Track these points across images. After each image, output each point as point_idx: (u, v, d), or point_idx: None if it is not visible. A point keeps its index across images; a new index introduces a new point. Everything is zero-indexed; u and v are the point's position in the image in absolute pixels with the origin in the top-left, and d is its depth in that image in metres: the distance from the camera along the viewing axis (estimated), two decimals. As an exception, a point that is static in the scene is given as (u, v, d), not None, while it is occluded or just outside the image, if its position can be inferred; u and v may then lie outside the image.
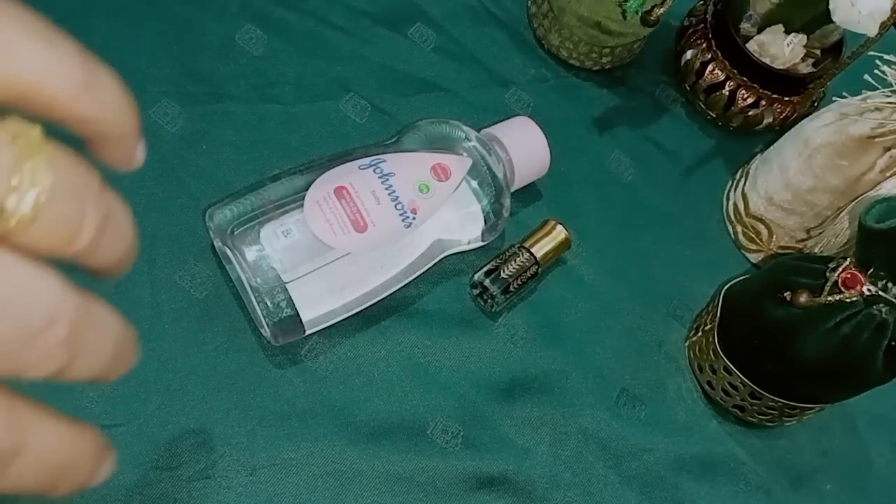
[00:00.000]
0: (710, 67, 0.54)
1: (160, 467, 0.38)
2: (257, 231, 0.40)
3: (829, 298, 0.39)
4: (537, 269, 0.46)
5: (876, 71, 0.44)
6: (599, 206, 0.52)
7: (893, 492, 0.49)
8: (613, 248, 0.51)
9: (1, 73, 0.19)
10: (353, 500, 0.40)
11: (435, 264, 0.45)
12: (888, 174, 0.45)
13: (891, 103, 0.44)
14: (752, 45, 0.53)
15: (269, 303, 0.39)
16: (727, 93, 0.54)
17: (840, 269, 0.40)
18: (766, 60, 0.52)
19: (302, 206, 0.40)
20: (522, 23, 0.57)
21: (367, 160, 0.43)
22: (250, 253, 0.40)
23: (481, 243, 0.46)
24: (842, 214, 0.47)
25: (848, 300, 0.39)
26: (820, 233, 0.49)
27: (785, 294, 0.41)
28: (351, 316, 0.43)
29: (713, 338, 0.46)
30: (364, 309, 0.43)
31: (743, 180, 0.53)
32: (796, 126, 0.50)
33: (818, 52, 0.55)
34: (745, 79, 0.53)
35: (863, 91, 0.46)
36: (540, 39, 0.56)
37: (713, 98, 0.55)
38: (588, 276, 0.49)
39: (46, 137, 0.18)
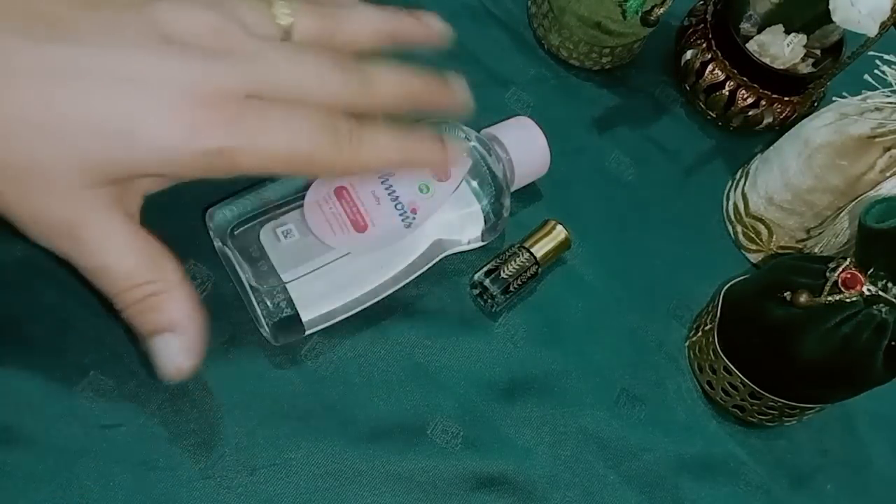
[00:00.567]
0: (710, 67, 0.54)
1: (160, 467, 0.38)
2: (257, 231, 0.40)
3: (829, 298, 0.39)
4: (537, 269, 0.46)
5: (876, 71, 0.44)
6: (599, 206, 0.52)
7: (893, 492, 0.49)
8: (613, 248, 0.51)
9: None
10: (353, 499, 0.40)
11: (435, 264, 0.45)
12: (888, 174, 0.45)
13: (891, 103, 0.45)
14: (752, 45, 0.53)
15: (268, 303, 0.39)
16: (727, 93, 0.54)
17: (840, 269, 0.40)
18: (766, 60, 0.52)
19: (302, 205, 0.41)
20: (522, 23, 0.57)
21: None
22: (250, 253, 0.40)
23: (481, 243, 0.46)
24: (842, 214, 0.47)
25: (848, 300, 0.39)
26: (820, 233, 0.49)
27: (785, 294, 0.41)
28: (351, 316, 0.43)
29: (713, 338, 0.46)
30: (364, 309, 0.43)
31: (743, 180, 0.53)
32: (796, 126, 0.50)
33: (818, 52, 0.55)
34: (745, 79, 0.53)
35: (863, 91, 0.46)
36: (540, 39, 0.56)
37: (713, 98, 0.55)
38: (588, 276, 0.49)
39: None
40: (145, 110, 0.28)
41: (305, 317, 0.40)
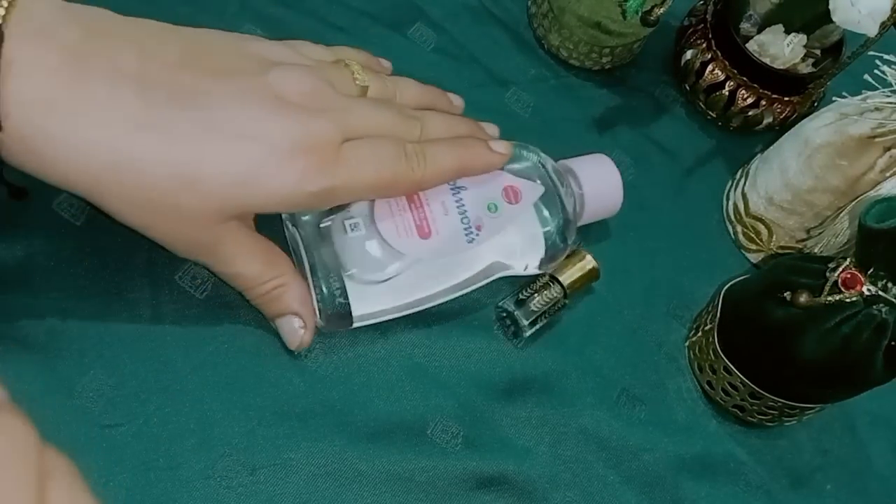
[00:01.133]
0: (710, 67, 0.54)
1: (160, 467, 0.38)
2: (325, 221, 0.41)
3: (829, 298, 0.39)
4: (565, 302, 0.46)
5: (876, 71, 0.44)
6: (599, 206, 0.51)
7: (893, 492, 0.49)
8: (613, 248, 0.50)
9: None
10: (353, 499, 0.40)
11: (486, 284, 0.45)
12: (888, 174, 0.45)
13: (891, 103, 0.45)
14: (752, 45, 0.53)
15: (324, 289, 0.41)
16: (727, 93, 0.54)
17: (840, 269, 0.40)
18: (766, 60, 0.52)
19: (373, 202, 0.41)
20: (522, 23, 0.57)
21: None
22: (316, 239, 0.41)
23: (538, 272, 0.46)
24: (842, 214, 0.47)
25: (848, 300, 0.39)
26: (820, 233, 0.49)
27: (785, 294, 0.41)
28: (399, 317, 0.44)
29: (713, 338, 0.46)
30: (412, 313, 0.44)
31: (743, 180, 0.53)
32: (796, 126, 0.50)
33: (818, 52, 0.55)
34: (745, 79, 0.53)
35: (863, 91, 0.46)
36: (540, 39, 0.56)
37: (713, 98, 0.55)
38: (588, 276, 0.49)
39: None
40: (265, 162, 0.35)
41: (356, 311, 0.41)
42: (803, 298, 0.40)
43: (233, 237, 0.37)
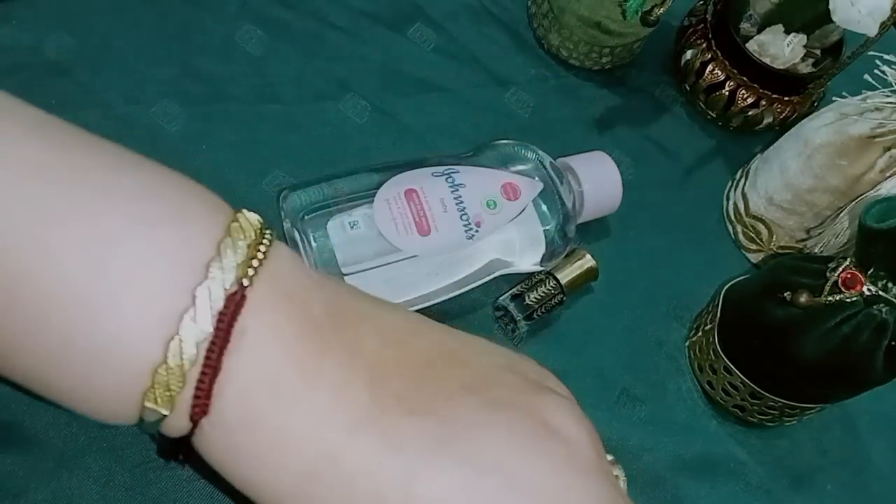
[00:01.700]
0: (710, 67, 0.54)
1: (159, 467, 0.38)
2: (326, 219, 0.41)
3: (830, 298, 0.39)
4: (562, 298, 0.46)
5: (876, 71, 0.44)
6: (599, 206, 0.51)
7: (893, 492, 0.49)
8: (613, 248, 0.50)
9: None
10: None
11: (487, 282, 0.45)
12: (888, 174, 0.45)
13: (891, 103, 0.45)
14: (752, 45, 0.53)
15: None
16: (727, 93, 0.54)
17: (840, 269, 0.40)
18: (766, 60, 0.52)
19: (372, 202, 0.42)
20: (522, 23, 0.57)
21: (441, 168, 0.44)
22: (316, 239, 0.41)
23: (538, 268, 0.46)
24: (842, 214, 0.47)
25: (848, 300, 0.39)
26: (820, 233, 0.49)
27: (785, 294, 0.41)
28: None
29: (713, 338, 0.46)
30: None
31: (743, 180, 0.53)
32: (796, 126, 0.50)
33: (818, 52, 0.55)
34: (745, 79, 0.53)
35: (863, 91, 0.46)
36: (540, 39, 0.56)
37: (713, 98, 0.55)
38: (588, 276, 0.49)
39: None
40: (497, 501, 0.27)
41: None
42: (803, 298, 0.40)
43: None
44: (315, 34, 0.51)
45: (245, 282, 0.26)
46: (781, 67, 0.53)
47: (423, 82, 0.52)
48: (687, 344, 0.49)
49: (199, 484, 0.38)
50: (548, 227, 0.45)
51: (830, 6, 0.45)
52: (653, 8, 0.48)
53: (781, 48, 0.53)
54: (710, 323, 0.46)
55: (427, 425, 0.27)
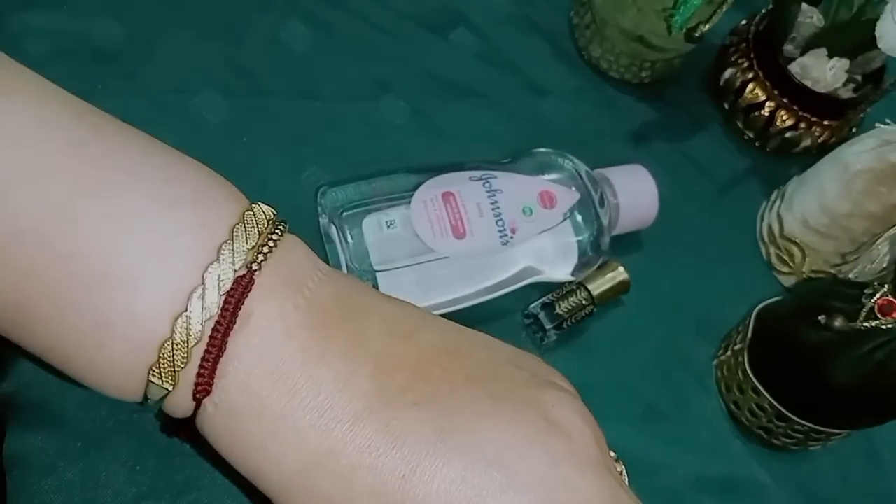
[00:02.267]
0: (750, 87, 0.54)
1: (185, 453, 0.38)
2: (362, 217, 0.42)
3: (865, 324, 0.39)
4: (593, 309, 0.46)
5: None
6: (632, 220, 0.51)
7: (915, 524, 0.49)
8: (643, 263, 0.50)
9: None
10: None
11: (517, 289, 0.45)
12: (928, 203, 0.45)
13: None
14: (794, 67, 0.53)
15: None
16: (766, 113, 0.54)
17: (877, 296, 0.39)
18: (808, 83, 0.52)
19: (409, 202, 0.42)
20: (564, 33, 0.57)
21: (478, 173, 0.44)
22: (352, 236, 0.41)
23: (570, 278, 0.46)
24: (878, 241, 0.46)
25: (883, 327, 0.39)
26: (855, 258, 0.49)
27: (819, 317, 0.41)
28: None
29: (743, 357, 0.45)
30: (442, 314, 0.44)
31: (778, 201, 0.53)
32: (836, 150, 0.50)
33: (859, 77, 0.54)
34: (785, 100, 0.53)
35: (903, 118, 0.46)
36: (581, 50, 0.56)
37: (752, 118, 0.55)
38: (618, 289, 0.49)
39: None
40: (499, 494, 0.27)
41: None
42: (838, 322, 0.40)
43: None
44: (358, 34, 0.52)
45: (254, 266, 0.27)
46: (823, 91, 0.53)
47: (462, 87, 0.52)
48: (714, 363, 0.49)
49: (224, 471, 0.39)
50: (581, 238, 0.45)
51: (877, 32, 0.45)
52: (698, 24, 0.48)
53: (824, 72, 0.53)
54: (741, 342, 0.46)
55: (429, 416, 0.27)
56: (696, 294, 0.51)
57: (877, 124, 0.48)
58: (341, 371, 0.27)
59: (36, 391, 0.38)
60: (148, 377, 0.27)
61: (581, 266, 0.45)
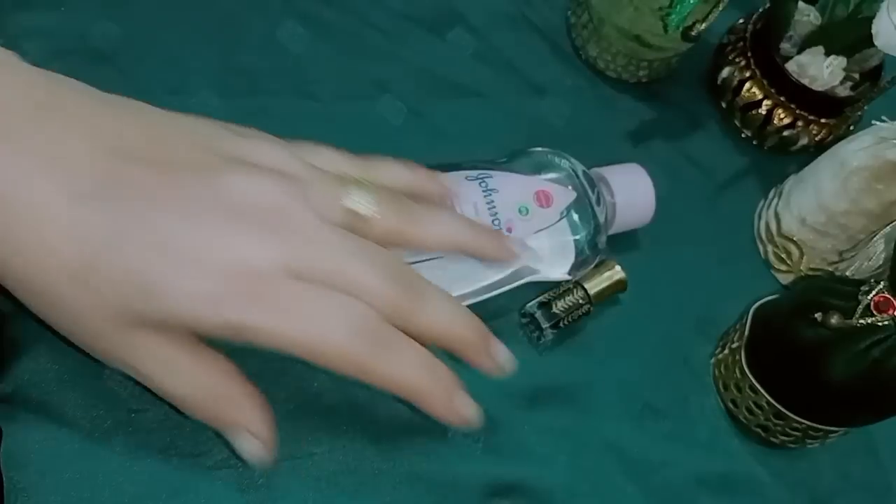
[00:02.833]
0: (747, 85, 0.54)
1: (183, 454, 0.39)
2: None
3: (861, 321, 0.39)
4: (590, 308, 0.46)
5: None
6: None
7: (914, 520, 0.49)
8: (641, 261, 0.50)
9: None
10: (371, 496, 0.40)
11: (513, 288, 0.45)
12: (925, 200, 0.45)
13: (930, 129, 0.44)
14: (791, 66, 0.53)
15: None
16: (763, 112, 0.54)
17: (873, 293, 0.39)
18: (805, 82, 0.52)
19: None
20: (561, 32, 0.57)
21: (474, 173, 0.44)
22: None
23: (567, 277, 0.46)
24: (875, 238, 0.46)
25: (880, 324, 0.39)
26: (852, 256, 0.49)
27: (816, 315, 0.41)
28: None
29: (740, 356, 0.46)
30: None
31: (776, 199, 0.53)
32: (833, 148, 0.50)
33: (856, 75, 0.54)
34: (782, 98, 0.53)
35: (900, 115, 0.46)
36: (578, 49, 0.56)
37: (749, 116, 0.55)
38: (615, 288, 0.49)
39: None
40: (179, 275, 0.30)
41: None
42: (835, 320, 0.40)
43: (155, 355, 0.32)
44: (355, 34, 0.52)
45: None
46: (820, 89, 0.53)
47: (459, 87, 0.52)
48: (712, 361, 0.49)
49: (222, 473, 0.39)
50: (578, 237, 0.45)
51: (873, 30, 0.45)
52: (694, 23, 0.48)
53: (821, 70, 0.53)
54: (738, 341, 0.46)
55: (110, 207, 0.29)
56: (693, 292, 0.51)
57: (874, 122, 0.48)
58: (36, 170, 0.29)
59: (34, 391, 0.38)
60: None
61: (578, 265, 0.45)
